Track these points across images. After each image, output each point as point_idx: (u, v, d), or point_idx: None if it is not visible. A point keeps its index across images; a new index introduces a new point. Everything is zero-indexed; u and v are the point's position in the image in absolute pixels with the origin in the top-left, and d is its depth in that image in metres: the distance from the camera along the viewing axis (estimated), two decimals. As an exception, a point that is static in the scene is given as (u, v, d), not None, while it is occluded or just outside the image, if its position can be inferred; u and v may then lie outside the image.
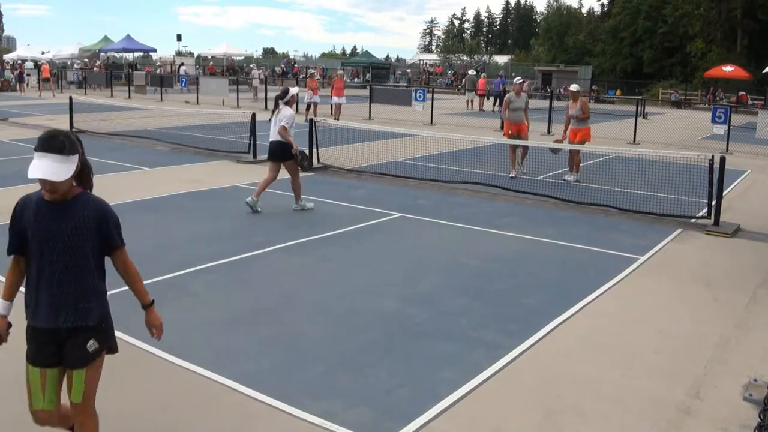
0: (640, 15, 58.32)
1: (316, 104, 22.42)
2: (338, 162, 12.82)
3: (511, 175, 12.19)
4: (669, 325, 5.59)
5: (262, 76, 34.15)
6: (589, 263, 7.36)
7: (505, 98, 12.80)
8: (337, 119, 20.60)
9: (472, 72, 34.70)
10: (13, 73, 36.05)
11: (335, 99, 22.43)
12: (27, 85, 34.41)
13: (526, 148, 12.75)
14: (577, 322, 5.62)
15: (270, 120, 9.25)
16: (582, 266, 7.22)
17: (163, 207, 9.40)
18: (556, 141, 12.64)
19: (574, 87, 12.59)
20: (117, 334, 4.98)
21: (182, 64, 44.99)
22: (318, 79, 25.06)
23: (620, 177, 12.08)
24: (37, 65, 39.35)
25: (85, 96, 26.99)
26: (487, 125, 21.95)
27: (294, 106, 9.48)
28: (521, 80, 13.53)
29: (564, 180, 12.07)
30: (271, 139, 9.10)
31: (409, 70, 57.45)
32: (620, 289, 6.47)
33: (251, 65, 43.04)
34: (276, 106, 9.12)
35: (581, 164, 12.34)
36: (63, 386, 3.16)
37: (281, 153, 9.03)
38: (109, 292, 5.95)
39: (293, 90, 9.32)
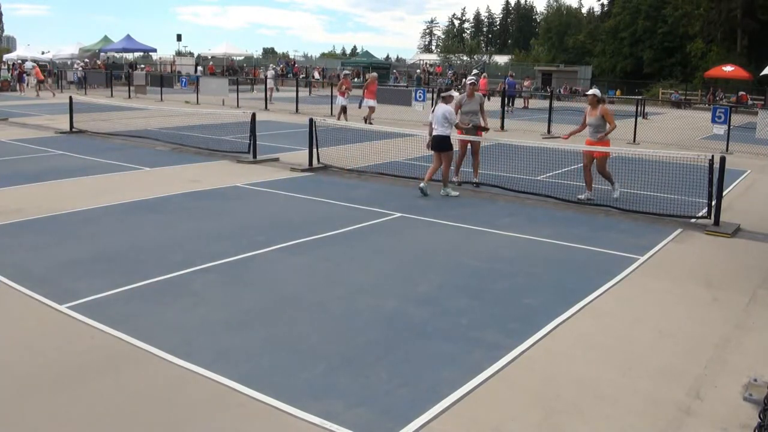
0: (640, 15, 58.40)
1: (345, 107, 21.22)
2: (338, 162, 12.82)
3: (453, 178, 11.20)
4: (669, 325, 5.59)
5: (272, 74, 33.12)
6: (589, 263, 7.36)
7: (456, 100, 11.22)
8: (371, 123, 19.50)
9: (475, 72, 34.68)
10: (13, 74, 36.02)
11: (370, 102, 21.08)
12: (27, 85, 34.41)
13: (478, 157, 11.50)
14: (577, 322, 5.62)
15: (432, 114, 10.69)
16: (582, 266, 7.23)
17: (163, 207, 9.40)
18: (563, 137, 11.52)
19: (592, 91, 10.60)
20: (118, 333, 5.03)
21: (197, 64, 45.37)
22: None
23: (620, 177, 12.04)
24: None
25: (85, 96, 26.99)
26: (487, 125, 21.91)
27: (451, 103, 10.73)
28: (473, 81, 11.90)
29: (578, 198, 10.46)
30: (435, 134, 10.49)
31: (418, 70, 56.61)
32: (620, 289, 6.47)
33: (270, 65, 42.72)
34: (437, 102, 10.63)
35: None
36: None
37: (442, 144, 10.47)
38: (110, 291, 6.01)
39: (455, 93, 10.96)
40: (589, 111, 10.45)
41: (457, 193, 10.67)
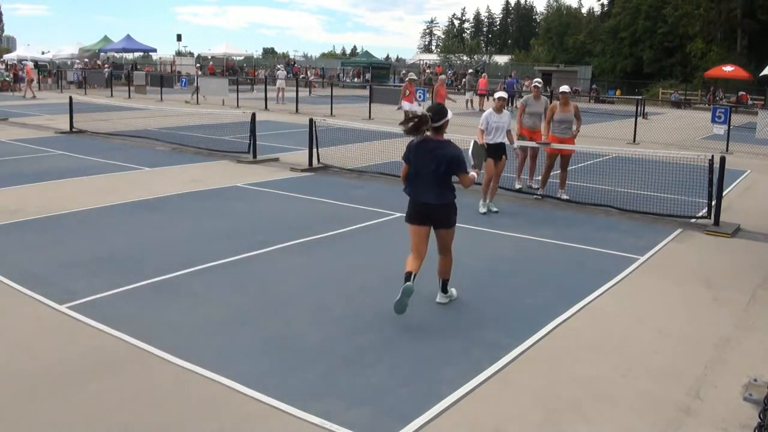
0: (640, 15, 58.38)
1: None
2: (338, 162, 12.82)
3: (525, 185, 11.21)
4: (669, 325, 5.59)
5: (283, 75, 32.74)
6: (589, 263, 7.36)
7: (522, 101, 11.33)
8: None
9: (471, 71, 34.66)
10: (11, 74, 36.00)
11: None
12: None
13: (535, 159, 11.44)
14: (577, 322, 5.62)
15: None
16: (582, 266, 7.22)
17: (163, 207, 9.40)
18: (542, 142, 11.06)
19: (565, 88, 10.67)
20: (117, 334, 5.04)
21: (200, 65, 45.46)
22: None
23: (620, 177, 12.08)
24: (37, 65, 39.30)
25: (85, 96, 26.99)
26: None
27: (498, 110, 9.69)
28: (540, 83, 11.86)
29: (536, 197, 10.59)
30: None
31: (428, 70, 55.29)
32: (620, 289, 6.47)
33: (278, 65, 42.45)
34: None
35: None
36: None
37: (492, 152, 9.34)
38: (110, 291, 6.02)
39: (498, 93, 9.88)
40: (560, 108, 10.39)
41: (493, 210, 9.64)
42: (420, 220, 5.69)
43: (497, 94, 9.83)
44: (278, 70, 35.19)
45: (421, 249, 5.65)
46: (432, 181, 5.58)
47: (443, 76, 23.96)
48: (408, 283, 5.30)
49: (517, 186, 11.20)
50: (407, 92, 20.09)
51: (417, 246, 5.66)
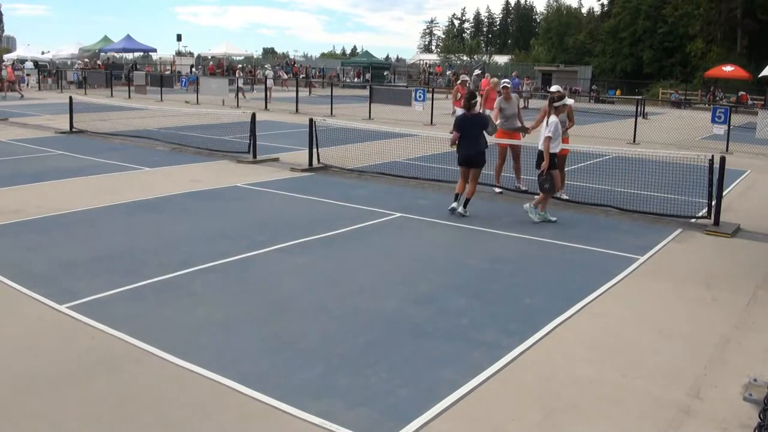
0: (640, 15, 58.42)
1: None
2: (338, 162, 12.82)
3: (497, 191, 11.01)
4: (669, 325, 5.59)
5: (273, 76, 32.90)
6: (590, 263, 7.36)
7: (495, 103, 11.14)
8: None
9: (478, 71, 34.63)
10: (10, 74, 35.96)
11: (488, 113, 18.00)
12: (27, 85, 34.34)
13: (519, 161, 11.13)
14: (577, 322, 5.62)
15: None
16: (582, 266, 7.22)
17: (163, 207, 9.41)
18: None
19: (555, 88, 10.09)
20: (117, 334, 5.04)
21: (192, 65, 45.44)
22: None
23: (620, 177, 12.07)
24: (37, 65, 39.28)
25: (85, 96, 26.98)
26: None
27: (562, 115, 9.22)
28: (508, 82, 11.68)
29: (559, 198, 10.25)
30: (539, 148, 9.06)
31: (449, 72, 53.44)
32: (620, 289, 6.47)
33: (266, 65, 42.29)
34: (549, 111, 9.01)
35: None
36: None
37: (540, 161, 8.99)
38: (110, 291, 6.02)
39: (569, 101, 9.27)
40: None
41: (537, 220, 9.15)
42: (467, 164, 9.12)
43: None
44: (267, 70, 35.39)
45: (466, 177, 9.17)
46: (475, 138, 9.04)
47: (495, 79, 21.82)
48: (456, 202, 9.19)
49: (497, 191, 10.96)
50: (459, 95, 17.44)
51: (463, 177, 9.23)
